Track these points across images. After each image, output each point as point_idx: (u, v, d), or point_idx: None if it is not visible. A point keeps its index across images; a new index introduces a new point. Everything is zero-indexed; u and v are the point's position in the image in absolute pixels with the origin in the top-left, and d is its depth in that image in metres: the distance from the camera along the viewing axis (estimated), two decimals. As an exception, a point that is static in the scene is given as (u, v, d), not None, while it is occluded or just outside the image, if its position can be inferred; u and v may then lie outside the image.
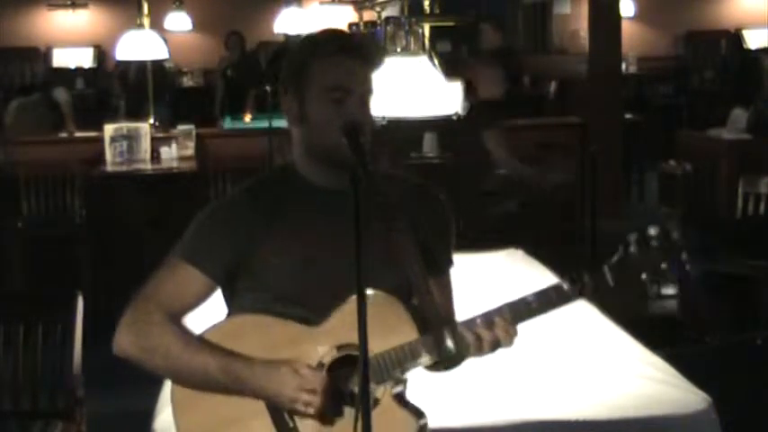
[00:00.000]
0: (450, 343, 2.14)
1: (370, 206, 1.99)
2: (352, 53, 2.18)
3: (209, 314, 2.26)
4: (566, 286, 2.17)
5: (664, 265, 2.15)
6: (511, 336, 2.15)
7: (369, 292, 2.02)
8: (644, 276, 2.16)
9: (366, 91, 2.19)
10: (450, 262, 2.36)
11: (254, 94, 9.42)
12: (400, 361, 2.14)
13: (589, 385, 3.19)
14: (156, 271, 2.23)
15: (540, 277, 4.33)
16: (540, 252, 4.71)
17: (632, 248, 2.15)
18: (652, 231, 2.15)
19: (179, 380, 2.17)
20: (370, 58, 2.20)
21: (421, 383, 2.26)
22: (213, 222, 2.24)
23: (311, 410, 2.10)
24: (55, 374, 3.66)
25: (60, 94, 9.12)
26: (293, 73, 2.22)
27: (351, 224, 1.90)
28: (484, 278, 4.15)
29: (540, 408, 3.04)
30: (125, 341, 2.16)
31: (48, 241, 6.76)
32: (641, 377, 3.23)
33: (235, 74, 10.30)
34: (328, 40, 2.22)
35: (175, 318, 2.19)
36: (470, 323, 2.15)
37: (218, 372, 2.12)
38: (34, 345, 3.64)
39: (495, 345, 2.15)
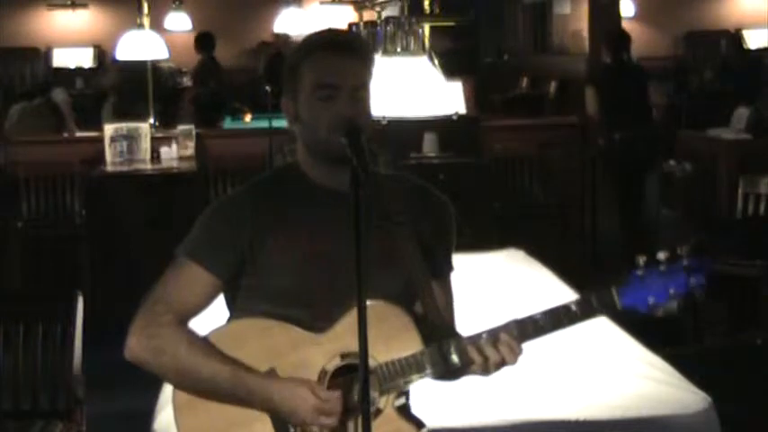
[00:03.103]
0: (455, 357, 2.14)
1: (371, 207, 1.98)
2: (335, 49, 2.18)
3: (212, 316, 2.26)
4: (573, 307, 2.17)
5: (672, 291, 2.15)
6: (516, 354, 2.15)
7: (374, 301, 2.02)
8: (651, 301, 2.16)
9: (356, 86, 2.17)
10: (450, 266, 2.35)
11: (188, 97, 9.32)
12: (404, 372, 2.14)
13: (589, 385, 3.19)
14: (164, 272, 2.23)
15: (540, 278, 4.33)
16: (541, 252, 4.71)
17: (640, 272, 2.15)
18: (661, 256, 2.15)
19: (185, 383, 2.16)
20: (355, 53, 2.20)
21: (422, 383, 2.26)
22: (217, 220, 2.23)
23: None
24: (55, 374, 3.66)
25: (58, 95, 9.12)
26: (287, 74, 2.23)
27: (351, 224, 1.90)
28: (485, 278, 4.15)
29: (541, 408, 3.04)
30: (135, 344, 2.15)
31: (48, 241, 6.76)
32: (641, 377, 3.23)
33: (197, 77, 10.23)
34: (315, 39, 2.22)
35: (185, 319, 2.18)
36: (476, 338, 2.15)
37: (229, 381, 2.11)
38: (34, 345, 3.64)
39: (501, 363, 2.15)
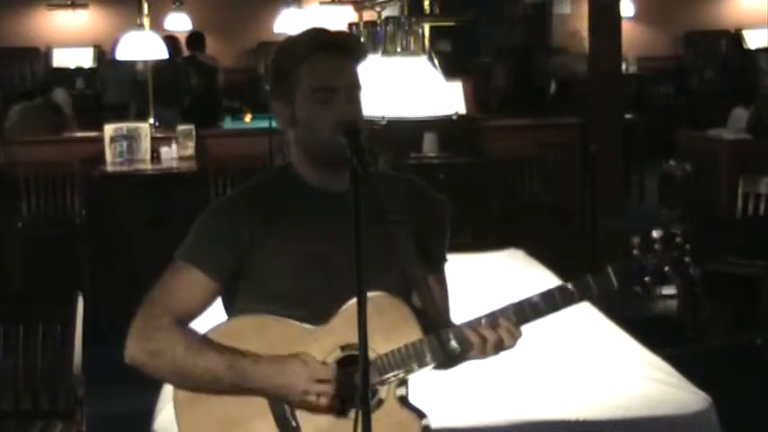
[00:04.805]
0: (454, 343, 2.14)
1: (370, 206, 1.99)
2: (330, 50, 2.18)
3: (210, 316, 2.26)
4: (570, 287, 2.17)
5: (667, 269, 2.15)
6: (515, 337, 2.15)
7: (373, 293, 2.02)
8: (647, 279, 2.16)
9: (352, 86, 2.18)
10: (444, 258, 2.35)
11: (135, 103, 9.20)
12: (404, 361, 2.14)
13: (590, 385, 3.19)
14: (161, 275, 2.23)
15: (540, 278, 4.33)
16: (541, 252, 4.71)
17: (636, 252, 2.15)
18: (655, 234, 2.15)
19: (184, 383, 2.16)
20: (349, 52, 2.20)
21: (421, 383, 2.26)
22: (214, 223, 2.23)
23: (324, 400, 2.10)
24: (55, 374, 3.66)
25: (59, 95, 9.13)
26: (278, 78, 2.22)
27: (350, 225, 1.89)
28: (485, 278, 4.16)
29: (541, 408, 3.04)
30: (133, 347, 2.16)
31: (48, 241, 6.75)
32: (641, 377, 3.23)
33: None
34: (306, 41, 2.20)
35: (183, 322, 2.18)
36: (475, 324, 2.15)
37: (225, 369, 2.11)
38: (34, 345, 3.64)
39: (499, 346, 2.15)
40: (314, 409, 2.12)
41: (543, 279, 4.31)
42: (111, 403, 4.71)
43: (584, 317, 3.61)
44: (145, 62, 8.08)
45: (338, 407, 2.12)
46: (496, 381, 3.08)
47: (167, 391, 2.24)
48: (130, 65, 8.92)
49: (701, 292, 5.82)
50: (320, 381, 2.09)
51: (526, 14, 12.65)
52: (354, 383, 2.11)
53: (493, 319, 2.15)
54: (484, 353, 2.15)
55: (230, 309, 2.27)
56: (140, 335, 2.16)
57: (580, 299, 2.17)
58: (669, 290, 6.00)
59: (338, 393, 2.11)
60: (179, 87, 9.50)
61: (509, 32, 11.92)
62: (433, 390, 2.54)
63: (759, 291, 5.67)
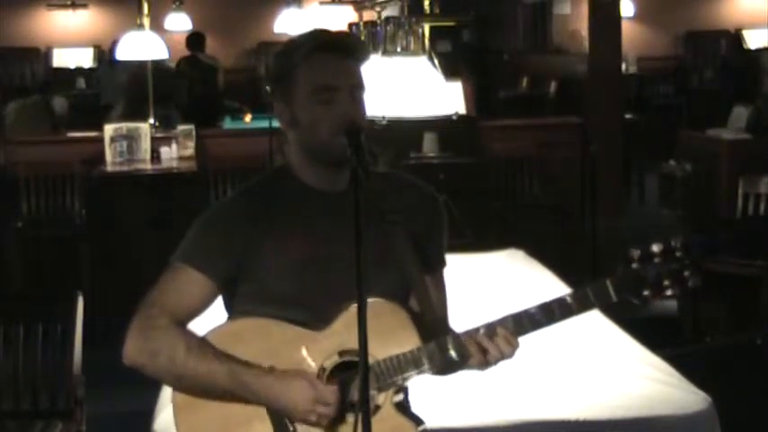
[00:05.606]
0: (452, 352, 2.14)
1: (367, 206, 1.99)
2: (331, 50, 2.17)
3: (210, 317, 2.26)
4: (569, 300, 2.17)
5: (666, 282, 2.15)
6: (513, 347, 2.15)
7: (371, 299, 2.02)
8: (646, 293, 2.16)
9: (354, 85, 2.17)
10: (443, 261, 2.35)
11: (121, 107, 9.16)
12: (402, 368, 2.14)
13: (590, 385, 3.19)
14: (159, 277, 2.23)
15: (541, 278, 4.34)
16: (541, 252, 4.71)
17: (635, 264, 2.15)
18: (655, 248, 2.15)
19: (183, 385, 2.16)
20: (350, 52, 2.19)
21: (421, 383, 2.26)
22: (212, 225, 2.23)
23: (324, 422, 2.11)
24: (55, 374, 3.66)
25: (58, 102, 9.15)
26: (278, 79, 2.21)
27: (349, 225, 1.89)
28: (485, 279, 4.16)
29: (541, 408, 3.04)
30: (132, 348, 2.15)
31: (48, 241, 6.75)
32: (642, 377, 3.23)
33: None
34: (306, 42, 2.20)
35: (181, 322, 2.18)
36: (473, 333, 2.15)
37: (226, 378, 2.11)
38: (34, 345, 3.64)
39: (497, 356, 2.14)
40: (310, 425, 2.12)
41: (543, 279, 4.31)
42: (111, 403, 4.71)
43: (584, 317, 3.60)
44: (140, 62, 8.05)
45: (334, 425, 2.12)
46: (496, 381, 3.07)
47: (167, 391, 2.24)
48: (126, 65, 8.89)
49: (701, 293, 5.82)
50: (324, 404, 2.09)
51: (525, 15, 12.67)
52: (349, 393, 2.11)
53: (491, 328, 2.15)
54: (482, 362, 2.15)
55: (230, 310, 2.27)
56: (139, 336, 2.15)
57: (578, 311, 2.18)
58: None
59: (338, 414, 2.11)
60: (176, 87, 9.50)
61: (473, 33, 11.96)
62: (433, 390, 2.54)
63: (759, 291, 5.67)
